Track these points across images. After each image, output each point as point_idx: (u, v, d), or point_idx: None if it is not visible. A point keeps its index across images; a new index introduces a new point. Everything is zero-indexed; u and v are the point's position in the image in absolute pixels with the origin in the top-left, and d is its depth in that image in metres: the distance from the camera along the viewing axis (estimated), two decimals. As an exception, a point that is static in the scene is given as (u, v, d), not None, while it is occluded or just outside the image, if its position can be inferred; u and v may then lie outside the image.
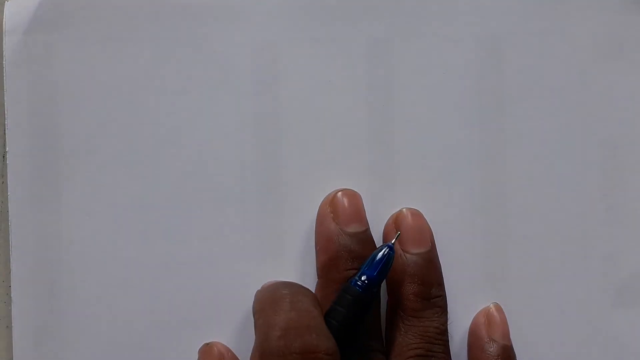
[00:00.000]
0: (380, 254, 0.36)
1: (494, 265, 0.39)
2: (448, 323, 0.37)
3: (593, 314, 0.40)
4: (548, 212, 0.40)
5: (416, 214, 0.38)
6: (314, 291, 0.37)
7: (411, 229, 0.38)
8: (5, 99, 0.39)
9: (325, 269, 0.37)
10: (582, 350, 0.39)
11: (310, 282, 0.38)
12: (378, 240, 0.39)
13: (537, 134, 0.40)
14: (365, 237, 0.38)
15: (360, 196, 0.38)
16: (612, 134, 0.40)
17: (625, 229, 0.40)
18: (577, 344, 0.39)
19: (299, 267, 0.39)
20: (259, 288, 0.37)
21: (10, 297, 0.39)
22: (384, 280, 0.37)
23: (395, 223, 0.38)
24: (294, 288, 0.36)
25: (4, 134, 0.39)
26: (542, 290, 0.40)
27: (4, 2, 0.39)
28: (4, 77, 0.39)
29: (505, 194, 0.40)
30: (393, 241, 0.37)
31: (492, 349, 0.38)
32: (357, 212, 0.38)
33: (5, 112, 0.39)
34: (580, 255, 0.40)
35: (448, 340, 0.37)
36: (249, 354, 0.35)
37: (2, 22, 0.39)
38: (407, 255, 0.37)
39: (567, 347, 0.39)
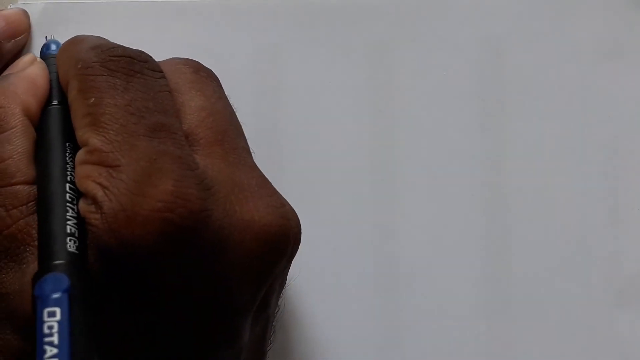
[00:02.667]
0: None
1: (495, 266, 0.39)
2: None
3: (595, 315, 0.39)
4: (549, 213, 0.40)
5: None
6: None
7: None
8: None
9: None
10: (583, 351, 0.39)
11: (311, 284, 0.38)
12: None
13: (538, 134, 0.40)
14: None
15: None
16: (613, 135, 0.40)
17: (627, 230, 0.40)
18: (578, 344, 0.39)
19: (298, 268, 0.39)
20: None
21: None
22: None
23: None
24: None
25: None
26: (543, 290, 0.39)
27: (7, 7, 0.40)
28: (7, 81, 0.39)
29: (506, 194, 0.40)
30: None
31: None
32: None
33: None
34: (581, 255, 0.40)
35: None
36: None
37: (6, 26, 0.40)
38: None
39: (568, 347, 0.39)
